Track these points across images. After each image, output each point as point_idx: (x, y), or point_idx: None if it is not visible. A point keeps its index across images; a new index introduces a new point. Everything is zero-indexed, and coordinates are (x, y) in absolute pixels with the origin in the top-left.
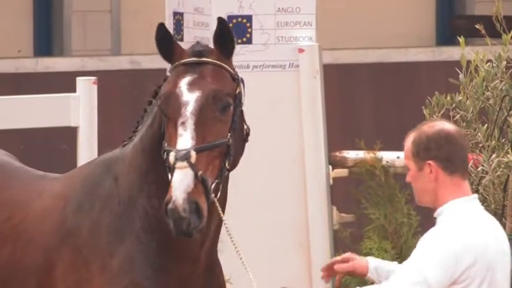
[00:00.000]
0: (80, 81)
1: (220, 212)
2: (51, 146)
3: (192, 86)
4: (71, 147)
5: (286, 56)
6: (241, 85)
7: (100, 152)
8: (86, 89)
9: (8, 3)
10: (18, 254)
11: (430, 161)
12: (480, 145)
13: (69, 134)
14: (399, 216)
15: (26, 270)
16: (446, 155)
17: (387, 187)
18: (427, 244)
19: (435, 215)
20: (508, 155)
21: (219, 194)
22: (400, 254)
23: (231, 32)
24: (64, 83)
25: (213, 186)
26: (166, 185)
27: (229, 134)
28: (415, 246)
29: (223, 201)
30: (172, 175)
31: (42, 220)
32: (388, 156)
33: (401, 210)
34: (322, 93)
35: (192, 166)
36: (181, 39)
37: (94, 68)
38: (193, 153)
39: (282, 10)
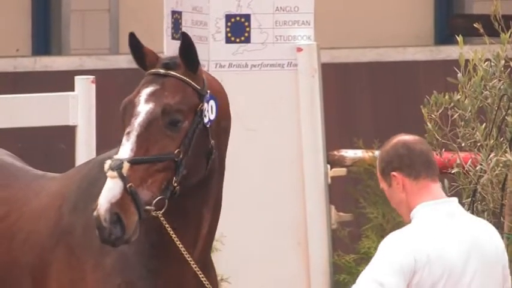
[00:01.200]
0: (79, 80)
1: (167, 226)
2: (50, 145)
3: (148, 97)
4: (69, 146)
5: (284, 55)
6: (212, 102)
7: (98, 151)
8: (85, 88)
9: (6, 1)
10: (13, 252)
11: (394, 173)
12: (478, 144)
13: (67, 133)
14: (397, 215)
15: (21, 269)
16: (407, 162)
17: None
18: (382, 250)
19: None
20: (507, 154)
21: (163, 209)
22: None
23: (193, 47)
24: (62, 81)
25: (154, 201)
26: (157, 188)
27: (177, 150)
28: None
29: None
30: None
31: (37, 219)
32: None
33: None
34: (321, 92)
35: (122, 177)
36: (180, 38)
37: (92, 67)
38: (126, 165)
39: (280, 9)
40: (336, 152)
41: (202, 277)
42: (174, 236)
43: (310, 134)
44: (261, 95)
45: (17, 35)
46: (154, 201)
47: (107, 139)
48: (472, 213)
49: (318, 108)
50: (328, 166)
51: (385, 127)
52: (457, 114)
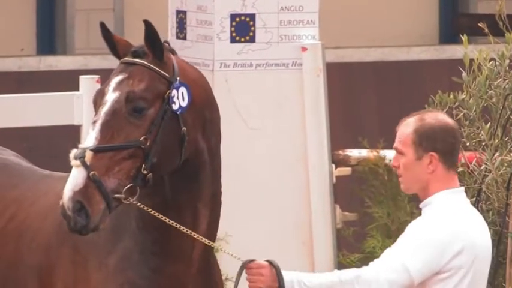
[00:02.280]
0: (83, 79)
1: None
2: (55, 144)
3: (116, 86)
4: (74, 146)
5: (289, 55)
6: (183, 88)
7: None
8: (89, 88)
9: (11, 1)
10: (20, 252)
11: (433, 153)
12: (483, 143)
13: (72, 132)
14: (402, 215)
15: (27, 268)
16: (449, 149)
17: (390, 186)
18: (413, 232)
19: (421, 205)
20: (511, 154)
21: (135, 196)
22: None
23: (157, 34)
24: (67, 81)
25: (124, 189)
26: (157, 186)
27: (143, 137)
28: None
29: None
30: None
31: (44, 218)
32: (391, 155)
33: (404, 208)
34: (325, 91)
35: (84, 165)
36: (184, 38)
37: (97, 67)
38: (88, 153)
39: (285, 9)
40: (340, 152)
41: (208, 242)
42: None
43: (315, 133)
44: (266, 95)
45: (21, 35)
46: (124, 189)
47: None
48: None
49: (322, 107)
50: (333, 165)
51: (389, 126)
52: (461, 113)
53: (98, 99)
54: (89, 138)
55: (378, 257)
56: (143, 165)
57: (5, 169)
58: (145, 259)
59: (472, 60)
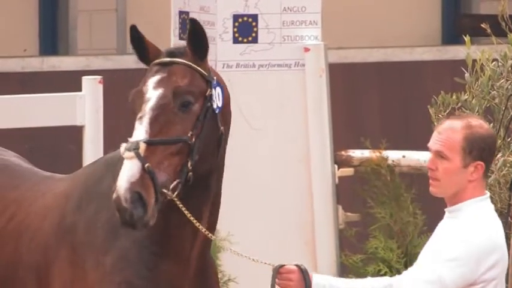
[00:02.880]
0: (86, 80)
1: (185, 210)
2: (58, 145)
3: (157, 83)
4: (77, 146)
5: (291, 55)
6: (219, 89)
7: (106, 151)
8: (92, 88)
9: (13, 2)
10: (20, 251)
11: (480, 162)
12: None
13: (74, 133)
14: (405, 216)
15: (26, 268)
16: (491, 158)
17: (393, 186)
18: (450, 242)
19: (450, 210)
20: None
21: (176, 192)
22: (406, 253)
23: (204, 33)
24: (70, 82)
25: (172, 185)
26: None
27: (190, 133)
28: (420, 245)
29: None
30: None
31: (43, 218)
32: (394, 156)
33: (407, 209)
34: (328, 92)
35: (139, 157)
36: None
37: (100, 67)
38: (142, 145)
39: (287, 9)
40: (343, 152)
41: (211, 236)
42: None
43: (318, 134)
44: (269, 95)
45: (24, 35)
46: (172, 185)
47: (115, 139)
48: None
49: (325, 108)
50: (336, 166)
51: (392, 127)
52: (464, 114)
53: (136, 99)
54: (139, 132)
55: (380, 257)
56: (189, 162)
57: (6, 170)
58: (143, 259)
59: (474, 60)
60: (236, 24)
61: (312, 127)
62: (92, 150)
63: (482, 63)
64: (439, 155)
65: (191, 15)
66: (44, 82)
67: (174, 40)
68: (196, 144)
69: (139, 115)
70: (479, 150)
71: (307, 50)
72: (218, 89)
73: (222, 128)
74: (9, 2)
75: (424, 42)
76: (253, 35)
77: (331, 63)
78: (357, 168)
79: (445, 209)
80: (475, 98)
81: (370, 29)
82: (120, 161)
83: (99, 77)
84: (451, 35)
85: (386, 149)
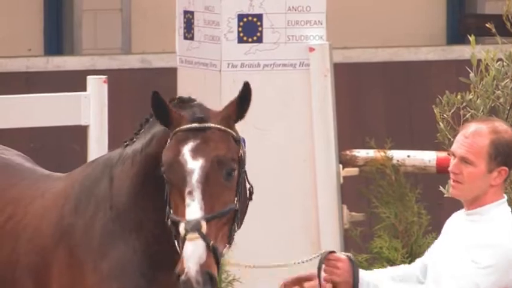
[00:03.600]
0: (91, 79)
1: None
2: (62, 145)
3: (195, 152)
4: (82, 146)
5: (296, 55)
6: (243, 145)
7: (110, 151)
8: (97, 88)
9: (18, 2)
10: (17, 252)
11: (504, 168)
12: None
13: (79, 133)
14: (409, 215)
15: (24, 268)
16: None
17: (398, 186)
18: (480, 247)
19: (469, 213)
20: None
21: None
22: (411, 253)
23: (251, 97)
24: (74, 81)
25: (223, 251)
26: (162, 202)
27: (235, 199)
28: (425, 245)
29: None
30: (182, 245)
31: (40, 218)
32: (399, 155)
33: (411, 209)
34: (333, 92)
35: (203, 236)
36: (192, 38)
37: (104, 67)
38: (203, 223)
39: (292, 9)
40: (348, 152)
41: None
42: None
43: (322, 133)
44: (273, 95)
45: (29, 35)
46: (224, 251)
47: (119, 139)
48: None
49: (330, 108)
50: (340, 166)
51: (397, 127)
52: (469, 114)
53: (175, 171)
54: (193, 209)
55: (385, 257)
56: (235, 226)
57: (6, 169)
58: (141, 269)
59: (479, 60)
60: (241, 23)
61: (317, 127)
62: (97, 149)
63: (487, 63)
64: (464, 160)
65: (196, 15)
66: (48, 82)
67: (179, 39)
68: (240, 207)
69: (187, 189)
70: (504, 156)
71: (312, 49)
72: (243, 146)
73: (250, 185)
74: (13, 2)
75: (429, 42)
76: (258, 34)
77: (336, 63)
78: (361, 168)
79: (465, 212)
80: (480, 97)
81: (375, 28)
82: (118, 164)
83: (103, 77)
84: (456, 35)
85: (391, 148)
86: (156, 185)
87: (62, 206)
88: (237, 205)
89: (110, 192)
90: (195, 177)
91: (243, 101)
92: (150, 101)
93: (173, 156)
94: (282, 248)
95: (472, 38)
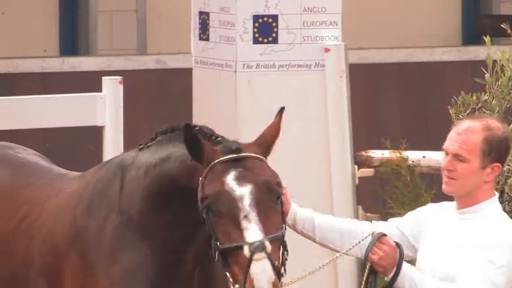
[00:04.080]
0: (106, 80)
1: None
2: (78, 145)
3: (241, 180)
4: (97, 147)
5: (312, 56)
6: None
7: (126, 152)
8: (112, 89)
9: (34, 2)
10: (32, 252)
11: (497, 164)
12: None
13: (95, 134)
14: None
15: (38, 269)
16: (505, 160)
17: (413, 187)
18: (487, 246)
19: (464, 211)
20: None
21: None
22: None
23: (279, 132)
24: (90, 82)
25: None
26: (170, 215)
27: (283, 225)
28: None
29: None
30: (246, 269)
31: (54, 218)
32: (414, 156)
33: None
34: (348, 92)
35: (269, 256)
36: (207, 39)
37: (120, 68)
38: (267, 244)
39: (307, 10)
40: (363, 153)
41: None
42: None
43: (338, 134)
44: (288, 96)
45: (44, 36)
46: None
47: (135, 139)
48: None
49: (345, 108)
50: (356, 167)
51: (412, 128)
52: (484, 114)
53: (223, 201)
54: (253, 231)
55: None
56: (285, 253)
57: (22, 168)
58: (150, 276)
59: (494, 61)
60: (256, 24)
61: (332, 128)
62: (112, 150)
63: (502, 64)
64: (458, 156)
65: (211, 16)
66: (64, 82)
67: (194, 40)
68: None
69: (242, 214)
70: (497, 152)
71: (327, 50)
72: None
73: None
74: (29, 3)
75: (444, 43)
76: (274, 35)
77: (351, 63)
78: (377, 168)
79: (457, 210)
80: (495, 98)
81: (390, 29)
82: (131, 168)
83: (119, 78)
84: (471, 36)
85: (406, 149)
86: (167, 201)
87: (75, 207)
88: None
89: (121, 197)
90: (247, 202)
91: (274, 134)
92: (164, 101)
93: (219, 188)
94: (296, 247)
95: (487, 39)
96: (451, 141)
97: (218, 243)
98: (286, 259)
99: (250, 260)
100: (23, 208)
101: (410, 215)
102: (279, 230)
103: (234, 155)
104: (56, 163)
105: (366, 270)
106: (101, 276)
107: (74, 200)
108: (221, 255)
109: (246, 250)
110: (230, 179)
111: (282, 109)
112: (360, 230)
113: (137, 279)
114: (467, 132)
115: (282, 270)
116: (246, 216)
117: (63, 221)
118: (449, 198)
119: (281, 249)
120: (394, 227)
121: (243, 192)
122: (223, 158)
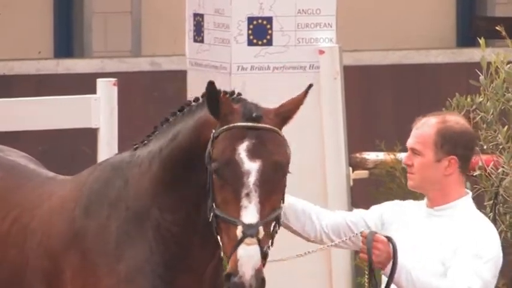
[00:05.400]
0: (101, 82)
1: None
2: (72, 147)
3: (252, 153)
4: (92, 149)
5: (306, 58)
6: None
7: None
8: (107, 90)
9: (28, 4)
10: (26, 255)
11: (453, 157)
12: (500, 147)
13: (89, 135)
14: None
15: (34, 271)
16: (467, 155)
17: (408, 189)
18: (474, 243)
19: (438, 209)
20: None
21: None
22: None
23: (304, 101)
24: (84, 84)
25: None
26: (182, 201)
27: (281, 202)
28: None
29: None
30: (235, 247)
31: (50, 222)
32: None
33: None
34: (343, 94)
35: (259, 242)
36: (202, 41)
37: (114, 70)
38: (261, 230)
39: (302, 12)
40: (358, 155)
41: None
42: None
43: (332, 136)
44: (283, 98)
45: (39, 38)
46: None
47: (129, 141)
48: (494, 215)
49: (340, 110)
50: (350, 168)
51: (407, 129)
52: (479, 116)
53: (231, 169)
54: (252, 213)
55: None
56: (277, 227)
57: (12, 170)
58: (158, 270)
59: (489, 63)
60: (251, 26)
61: (327, 130)
62: (107, 152)
63: (497, 66)
64: (413, 151)
65: (206, 18)
66: (58, 84)
67: (189, 42)
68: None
69: (244, 191)
70: (451, 144)
71: (321, 52)
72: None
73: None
74: (23, 4)
75: (439, 45)
76: (268, 37)
77: (346, 65)
78: (371, 170)
79: (433, 208)
80: (490, 100)
81: (385, 31)
82: (131, 166)
83: (113, 80)
84: (466, 38)
85: (401, 151)
86: (176, 187)
87: (72, 209)
88: (282, 205)
89: (126, 194)
90: (252, 180)
91: (295, 107)
92: (159, 103)
93: (229, 155)
94: (291, 249)
95: (482, 41)
96: (410, 136)
97: (214, 204)
98: (276, 232)
99: (240, 241)
100: (13, 212)
101: (376, 208)
102: (276, 209)
103: (252, 123)
104: (50, 165)
105: (366, 273)
106: (105, 276)
107: (69, 203)
108: (215, 218)
109: (239, 231)
110: (242, 149)
111: (310, 86)
112: (314, 212)
113: (144, 275)
114: (423, 126)
115: (270, 243)
116: (247, 194)
117: (60, 223)
118: None
119: (275, 225)
120: (360, 218)
121: (252, 168)
122: (241, 123)
